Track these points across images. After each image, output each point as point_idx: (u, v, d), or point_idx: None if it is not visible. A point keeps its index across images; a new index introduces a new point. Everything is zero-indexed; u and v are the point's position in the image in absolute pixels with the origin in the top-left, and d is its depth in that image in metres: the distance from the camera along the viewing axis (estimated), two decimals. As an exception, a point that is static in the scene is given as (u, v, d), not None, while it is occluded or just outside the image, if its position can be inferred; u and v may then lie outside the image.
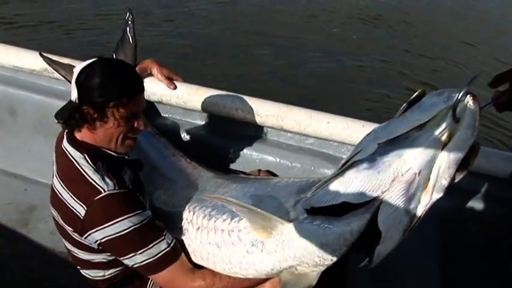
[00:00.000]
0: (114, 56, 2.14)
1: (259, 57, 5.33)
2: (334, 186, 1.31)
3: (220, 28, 5.93)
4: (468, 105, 1.22)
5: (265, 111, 2.06)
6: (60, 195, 1.49)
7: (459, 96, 1.20)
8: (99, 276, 1.64)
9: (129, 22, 2.14)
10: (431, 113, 1.24)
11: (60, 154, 1.54)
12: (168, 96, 2.17)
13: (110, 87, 1.40)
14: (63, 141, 1.54)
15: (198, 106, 2.14)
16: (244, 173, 2.07)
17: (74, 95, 1.44)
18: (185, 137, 2.28)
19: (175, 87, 2.14)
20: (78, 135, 1.52)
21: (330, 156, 2.12)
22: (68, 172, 1.50)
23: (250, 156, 2.20)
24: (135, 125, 1.50)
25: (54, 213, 1.57)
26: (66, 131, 1.56)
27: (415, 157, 1.23)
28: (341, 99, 4.54)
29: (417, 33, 6.31)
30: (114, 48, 2.19)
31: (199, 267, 1.58)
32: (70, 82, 2.02)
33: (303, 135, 2.10)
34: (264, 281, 1.53)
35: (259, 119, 2.07)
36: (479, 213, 1.96)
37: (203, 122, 2.27)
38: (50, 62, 2.17)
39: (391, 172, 1.25)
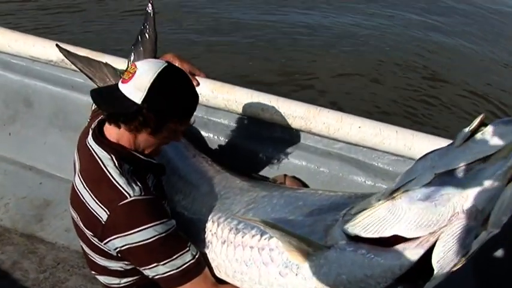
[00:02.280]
0: (133, 48, 2.05)
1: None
2: (384, 215, 1.21)
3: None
4: None
5: (293, 113, 1.95)
6: (81, 197, 1.42)
7: None
8: (114, 284, 1.57)
9: (150, 14, 2.05)
10: (498, 144, 1.14)
11: (85, 152, 1.46)
12: (190, 93, 2.07)
13: (180, 104, 1.40)
14: (88, 138, 1.46)
15: (222, 104, 2.05)
16: (267, 178, 1.96)
17: (139, 96, 1.33)
18: (207, 137, 2.19)
19: (198, 84, 2.03)
20: (109, 135, 1.44)
21: (360, 162, 2.01)
22: (92, 172, 1.43)
23: (276, 159, 2.10)
24: (176, 137, 1.50)
25: (74, 214, 1.50)
26: (92, 127, 1.48)
27: (479, 193, 1.13)
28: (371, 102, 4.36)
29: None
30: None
31: (222, 281, 1.50)
32: (87, 75, 2.01)
33: (332, 139, 1.99)
34: None
35: (286, 121, 1.97)
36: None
37: (227, 122, 2.17)
38: (67, 54, 2.09)
39: (451, 207, 1.15)
